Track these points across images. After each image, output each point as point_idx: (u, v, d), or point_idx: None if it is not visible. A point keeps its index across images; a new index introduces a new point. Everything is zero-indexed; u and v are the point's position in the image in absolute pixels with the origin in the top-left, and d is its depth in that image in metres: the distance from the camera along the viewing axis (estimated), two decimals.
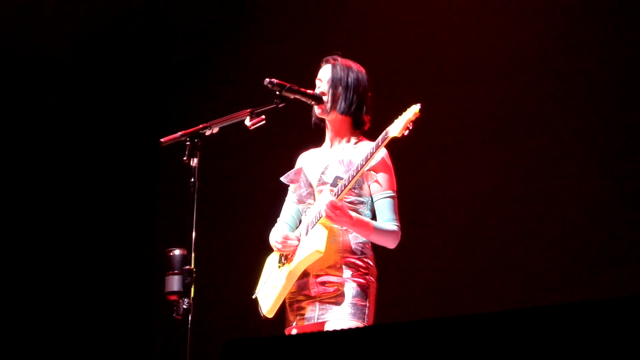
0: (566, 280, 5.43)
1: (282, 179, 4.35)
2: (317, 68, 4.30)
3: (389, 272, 4.35)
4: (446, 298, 5.68)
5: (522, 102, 5.74)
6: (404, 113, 3.93)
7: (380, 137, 3.94)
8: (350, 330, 3.39)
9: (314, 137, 4.35)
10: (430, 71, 6.00)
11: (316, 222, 4.03)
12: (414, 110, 3.91)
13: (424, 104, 3.92)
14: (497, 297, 5.54)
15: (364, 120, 4.22)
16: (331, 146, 4.26)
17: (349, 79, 4.19)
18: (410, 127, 3.89)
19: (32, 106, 6.52)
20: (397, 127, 3.90)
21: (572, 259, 5.45)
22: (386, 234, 4.06)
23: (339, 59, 4.26)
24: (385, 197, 4.10)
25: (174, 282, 3.71)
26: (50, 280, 6.40)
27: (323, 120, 4.27)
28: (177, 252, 3.74)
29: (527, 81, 5.72)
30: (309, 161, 4.31)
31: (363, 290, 4.03)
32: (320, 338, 2.67)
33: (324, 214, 3.94)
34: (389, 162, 4.15)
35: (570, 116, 5.59)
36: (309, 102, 4.18)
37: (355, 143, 4.21)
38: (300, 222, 4.28)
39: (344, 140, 4.23)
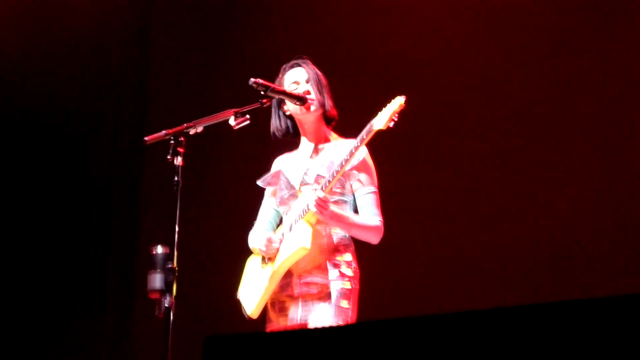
0: (556, 277, 5.46)
1: (259, 182, 4.36)
2: (277, 72, 4.32)
3: (371, 272, 4.37)
4: (430, 296, 5.69)
5: (513, 95, 5.78)
6: (388, 105, 3.95)
7: (364, 131, 3.96)
8: (332, 327, 3.40)
9: (288, 141, 4.37)
10: (415, 65, 6.03)
11: (299, 220, 4.05)
12: (399, 102, 3.94)
13: (411, 98, 3.95)
14: (483, 295, 5.57)
15: (336, 116, 4.27)
16: (310, 146, 4.27)
17: (323, 78, 4.26)
18: (396, 119, 3.92)
19: (16, 104, 6.51)
20: (381, 120, 3.92)
21: (563, 256, 5.49)
22: (368, 228, 4.08)
23: (308, 60, 4.30)
24: (367, 194, 4.12)
25: (156, 280, 3.71)
26: (33, 276, 6.38)
27: (289, 128, 4.29)
28: (159, 249, 3.74)
29: (519, 71, 5.77)
30: (288, 164, 4.32)
31: (346, 292, 4.03)
32: (303, 335, 2.68)
33: (312, 210, 3.95)
34: (369, 160, 4.18)
35: (563, 111, 5.63)
36: (293, 102, 4.19)
37: (335, 142, 4.24)
38: (277, 226, 4.30)
39: (322, 139, 4.26)
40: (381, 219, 4.11)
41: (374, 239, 4.12)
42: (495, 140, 5.77)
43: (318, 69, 4.30)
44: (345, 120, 4.31)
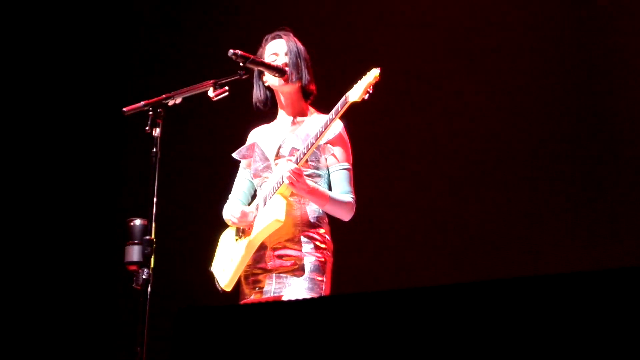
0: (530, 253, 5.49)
1: (234, 155, 4.36)
2: (259, 44, 4.30)
3: (344, 246, 4.37)
4: (403, 272, 5.70)
5: (491, 66, 5.77)
6: (363, 77, 3.95)
7: (339, 103, 3.96)
8: (306, 300, 3.40)
9: (267, 113, 4.36)
10: (396, 39, 6.02)
11: (274, 192, 4.05)
12: (374, 74, 3.93)
13: (388, 71, 3.94)
14: (452, 270, 5.59)
15: (314, 90, 4.25)
16: (287, 119, 4.27)
17: (303, 52, 4.24)
18: (371, 91, 3.91)
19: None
20: (356, 92, 3.92)
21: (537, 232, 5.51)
22: (341, 204, 4.08)
23: (290, 33, 4.28)
24: (342, 169, 4.13)
25: (134, 252, 3.69)
26: (11, 247, 6.35)
27: (268, 100, 4.28)
28: (137, 222, 3.72)
29: (498, 49, 5.76)
30: (263, 135, 4.32)
31: (320, 265, 4.04)
32: (275, 307, 2.68)
33: (286, 181, 3.96)
34: (345, 135, 4.18)
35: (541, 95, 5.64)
36: (272, 74, 4.18)
37: (312, 117, 4.23)
38: (252, 198, 4.30)
39: (299, 113, 4.26)
40: (354, 196, 4.12)
41: (346, 215, 4.12)
42: (472, 114, 5.76)
43: (300, 42, 4.28)
44: (327, 96, 4.29)
